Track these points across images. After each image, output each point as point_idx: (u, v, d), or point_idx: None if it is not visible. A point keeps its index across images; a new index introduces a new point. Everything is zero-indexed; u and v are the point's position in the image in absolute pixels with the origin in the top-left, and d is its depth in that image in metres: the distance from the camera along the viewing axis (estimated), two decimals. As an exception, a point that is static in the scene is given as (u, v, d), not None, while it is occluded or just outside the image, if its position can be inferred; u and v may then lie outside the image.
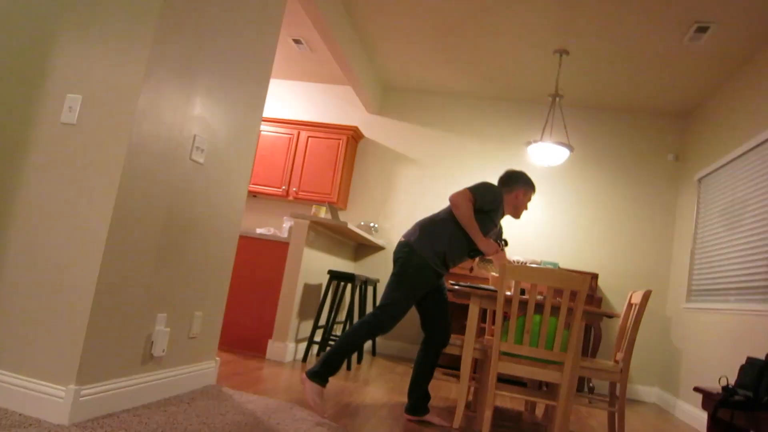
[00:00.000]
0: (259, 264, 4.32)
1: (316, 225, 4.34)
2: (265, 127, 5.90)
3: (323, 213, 4.66)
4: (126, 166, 2.12)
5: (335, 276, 4.32)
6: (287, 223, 4.55)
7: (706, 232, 4.59)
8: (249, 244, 4.36)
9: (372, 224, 5.67)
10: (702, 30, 3.88)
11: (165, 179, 2.38)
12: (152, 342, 2.46)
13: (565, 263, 5.50)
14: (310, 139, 5.83)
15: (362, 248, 5.91)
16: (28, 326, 2.08)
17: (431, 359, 2.98)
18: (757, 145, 3.84)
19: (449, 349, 3.11)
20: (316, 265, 4.58)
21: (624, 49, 4.37)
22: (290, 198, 5.79)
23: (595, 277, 5.19)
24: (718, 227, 4.34)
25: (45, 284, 2.10)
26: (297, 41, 5.23)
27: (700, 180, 4.86)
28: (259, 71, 3.16)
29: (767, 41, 3.90)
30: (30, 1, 2.32)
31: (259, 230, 4.51)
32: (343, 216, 5.96)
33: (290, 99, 6.31)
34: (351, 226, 4.29)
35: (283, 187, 5.76)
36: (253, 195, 5.95)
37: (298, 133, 5.87)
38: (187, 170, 2.54)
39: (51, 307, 2.07)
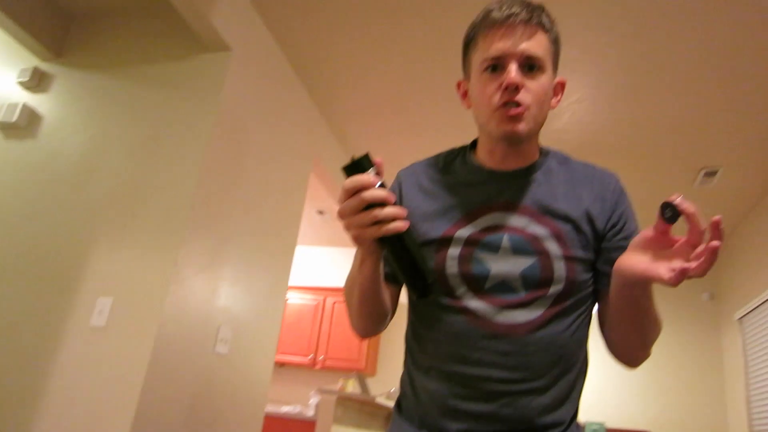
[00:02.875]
0: (288, 445, 4.11)
1: (344, 400, 4.19)
2: (291, 295, 5.94)
3: (350, 386, 4.52)
4: (150, 368, 2.11)
5: (369, 453, 4.07)
6: (314, 399, 4.40)
7: (758, 378, 4.31)
8: (274, 425, 4.18)
9: (404, 389, 5.45)
10: (710, 174, 3.96)
11: (188, 375, 2.36)
12: None
13: (613, 422, 5.14)
14: (336, 305, 5.83)
15: (395, 415, 5.63)
16: None
17: None
18: (793, 284, 3.73)
19: None
20: (347, 441, 4.34)
21: (636, 198, 4.44)
22: (318, 367, 5.65)
23: (647, 433, 4.81)
24: (770, 372, 4.08)
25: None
26: (320, 212, 5.44)
27: (740, 320, 4.67)
28: (285, 246, 3.26)
29: (779, 181, 3.96)
30: (71, 212, 2.48)
31: (284, 408, 4.35)
32: (372, 383, 5.77)
33: (315, 265, 6.42)
34: (380, 400, 4.13)
35: (310, 356, 5.66)
36: (279, 365, 5.84)
37: (324, 299, 5.89)
38: (211, 363, 2.52)
39: None
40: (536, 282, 0.98)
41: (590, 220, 1.03)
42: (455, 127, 3.65)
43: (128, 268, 2.27)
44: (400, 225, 0.84)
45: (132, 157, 2.51)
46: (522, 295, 0.98)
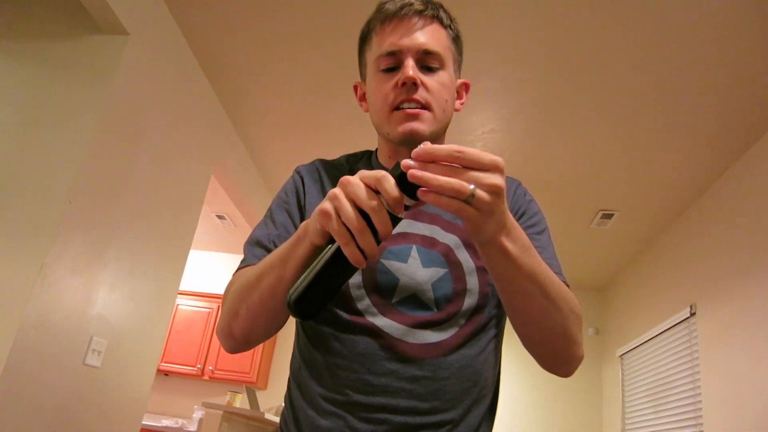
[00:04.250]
0: (163, 462, 3.84)
1: (231, 415, 3.98)
2: (182, 301, 5.61)
3: (239, 401, 4.31)
4: (3, 377, 1.85)
5: (249, 474, 3.88)
6: (197, 413, 4.15)
7: (633, 413, 4.54)
8: (152, 439, 3.90)
9: (293, 406, 5.29)
10: (607, 216, 4.14)
11: (50, 389, 2.10)
12: None
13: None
14: (230, 313, 5.56)
15: (282, 432, 5.45)
16: None
17: None
18: (670, 327, 3.95)
19: None
20: (228, 459, 4.11)
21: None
22: (206, 378, 5.36)
23: (528, 460, 4.94)
24: (644, 407, 4.30)
25: None
26: (220, 216, 5.20)
27: (621, 356, 4.91)
28: (177, 250, 3.05)
29: (666, 227, 4.20)
30: None
31: (164, 421, 4.08)
32: (263, 396, 5.56)
33: (210, 271, 6.13)
34: (269, 416, 3.95)
35: (198, 366, 5.36)
36: (164, 374, 5.49)
37: (218, 307, 5.62)
38: (80, 375, 2.27)
39: None
40: (449, 296, 0.88)
41: None
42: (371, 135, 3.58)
43: (-17, 267, 2.00)
44: (361, 261, 0.65)
45: (0, 139, 2.23)
46: (434, 312, 0.87)
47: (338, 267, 0.68)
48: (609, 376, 5.24)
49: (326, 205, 0.67)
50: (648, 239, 4.47)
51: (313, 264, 0.69)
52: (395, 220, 0.65)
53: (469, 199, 0.63)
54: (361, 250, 0.64)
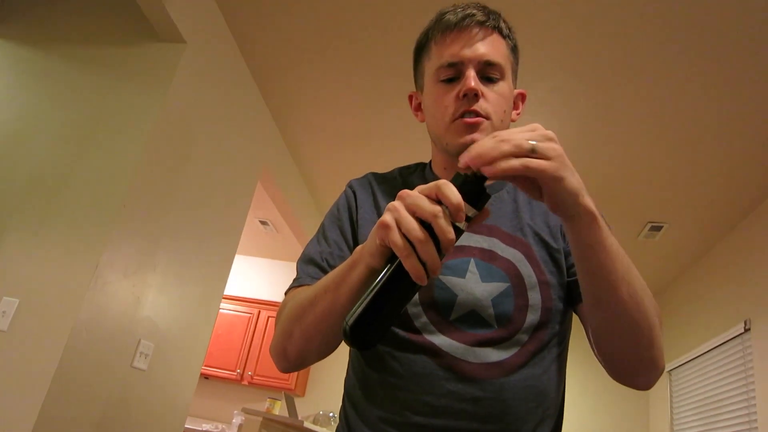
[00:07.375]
0: (203, 466, 3.87)
1: (269, 422, 3.99)
2: (223, 305, 5.67)
3: (278, 408, 4.32)
4: (55, 380, 1.90)
5: (288, 480, 3.88)
6: (237, 419, 4.18)
7: (681, 430, 4.38)
8: (194, 442, 3.94)
9: (331, 414, 5.28)
10: (656, 228, 4.02)
11: (99, 390, 2.14)
12: None
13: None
14: (270, 319, 5.61)
15: (320, 440, 5.45)
16: None
17: None
18: (723, 343, 3.80)
19: None
20: (267, 465, 4.13)
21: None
22: (245, 383, 5.41)
23: (570, 477, 4.81)
24: (694, 425, 4.14)
25: None
26: (263, 222, 5.25)
27: (670, 372, 4.75)
28: (223, 255, 3.09)
29: (718, 240, 4.06)
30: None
31: (205, 426, 4.11)
32: (300, 404, 5.57)
33: (252, 276, 6.19)
34: (308, 425, 3.95)
35: (238, 371, 5.41)
36: (204, 377, 5.56)
37: (258, 312, 5.67)
38: (127, 378, 2.31)
39: None
40: (510, 312, 0.85)
41: (563, 235, 0.91)
42: (421, 149, 3.57)
43: (41, 267, 2.05)
44: (423, 276, 0.61)
45: (60, 142, 2.29)
46: (494, 329, 0.84)
47: (397, 287, 0.64)
48: (656, 393, 5.07)
49: (386, 217, 0.64)
50: (699, 253, 4.32)
51: (370, 287, 0.64)
52: (458, 232, 0.62)
53: (534, 150, 0.64)
54: (423, 264, 0.61)
